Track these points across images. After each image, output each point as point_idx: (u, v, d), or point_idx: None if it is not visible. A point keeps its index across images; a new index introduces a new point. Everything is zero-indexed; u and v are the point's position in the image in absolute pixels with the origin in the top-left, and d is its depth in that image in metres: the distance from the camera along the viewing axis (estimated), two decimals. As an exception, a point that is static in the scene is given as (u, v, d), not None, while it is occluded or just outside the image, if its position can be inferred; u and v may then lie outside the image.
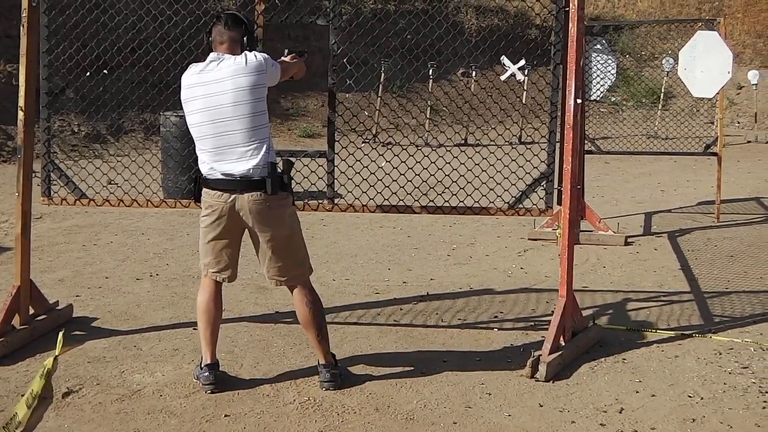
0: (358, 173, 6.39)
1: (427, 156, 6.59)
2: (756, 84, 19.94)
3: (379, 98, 17.24)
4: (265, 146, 4.95)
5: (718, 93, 10.40)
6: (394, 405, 5.01)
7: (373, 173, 6.34)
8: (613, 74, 11.20)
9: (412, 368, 5.55)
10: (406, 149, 6.73)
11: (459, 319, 6.58)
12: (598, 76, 10.74)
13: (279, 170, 5.01)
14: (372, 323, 6.46)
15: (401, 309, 6.81)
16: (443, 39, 7.10)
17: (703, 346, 6.05)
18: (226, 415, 4.86)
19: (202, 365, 5.25)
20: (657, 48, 22.70)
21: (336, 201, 6.33)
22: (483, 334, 6.21)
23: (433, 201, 6.82)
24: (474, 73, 18.32)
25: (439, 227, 9.75)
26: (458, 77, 19.86)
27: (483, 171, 6.28)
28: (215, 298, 5.30)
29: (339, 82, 6.32)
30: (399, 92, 18.78)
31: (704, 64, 9.92)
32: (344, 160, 6.39)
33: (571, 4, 5.68)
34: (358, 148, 6.67)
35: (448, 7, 21.42)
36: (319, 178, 6.44)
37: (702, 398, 5.16)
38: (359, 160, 6.40)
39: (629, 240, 9.25)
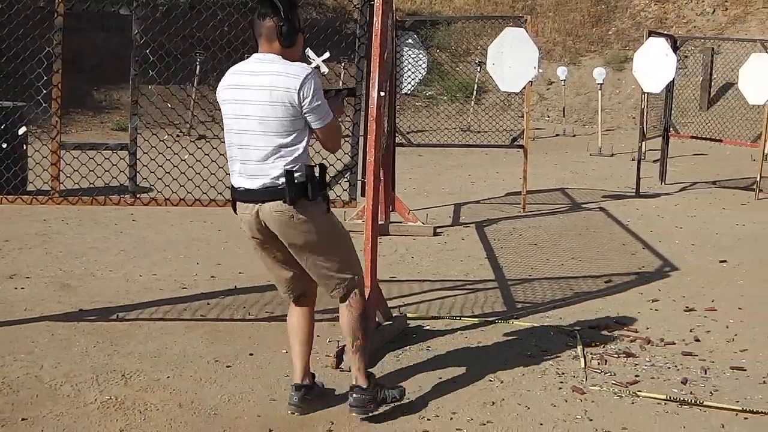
0: (176, 167, 6.30)
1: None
2: (564, 80, 20.64)
3: (195, 91, 16.99)
4: (287, 158, 4.48)
5: (524, 87, 10.73)
6: (198, 400, 4.95)
7: (191, 166, 6.28)
8: (424, 68, 11.38)
9: (217, 362, 5.51)
10: (215, 146, 6.67)
11: (267, 312, 6.56)
12: (409, 70, 10.89)
13: (300, 178, 4.52)
14: (178, 318, 6.37)
15: (208, 303, 6.74)
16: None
17: (505, 331, 6.24)
18: (23, 419, 4.67)
19: (293, 384, 4.91)
20: (472, 44, 23.23)
21: (138, 195, 6.20)
22: (291, 327, 6.21)
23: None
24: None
25: (251, 220, 9.67)
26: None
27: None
28: (300, 318, 4.96)
29: (156, 74, 6.18)
30: (214, 85, 18.53)
31: (512, 59, 10.21)
32: (162, 153, 6.30)
33: (375, -1, 5.73)
34: (175, 141, 6.60)
35: (265, -1, 21.26)
36: (120, 171, 6.31)
37: (502, 382, 5.31)
38: (177, 153, 6.32)
39: (438, 230, 9.46)
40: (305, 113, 4.49)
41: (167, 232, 9.19)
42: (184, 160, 6.29)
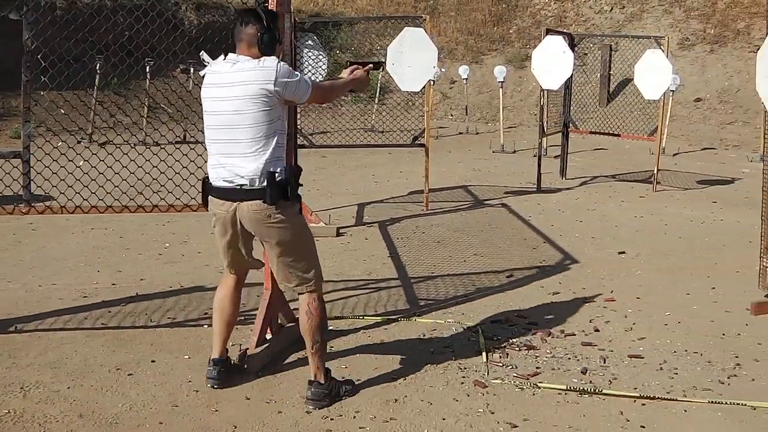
0: (71, 174, 6.20)
1: (141, 154, 6.52)
2: (467, 79, 20.84)
3: (94, 96, 16.73)
4: (266, 156, 4.70)
5: (425, 87, 10.80)
6: (99, 410, 4.87)
7: (86, 173, 6.18)
8: (324, 70, 11.37)
9: (118, 371, 5.43)
10: (119, 148, 6.61)
11: (168, 318, 6.49)
12: (309, 71, 10.86)
13: (281, 179, 4.71)
14: (79, 328, 6.24)
15: (110, 311, 6.63)
16: (160, 35, 6.98)
17: (408, 329, 6.29)
18: None
19: (210, 359, 5.21)
20: (375, 44, 23.30)
21: (33, 204, 6.09)
22: (192, 332, 6.15)
23: (148, 200, 6.70)
24: (193, 70, 18.13)
25: (153, 226, 9.59)
26: (178, 75, 19.61)
27: (199, 168, 6.22)
28: (232, 294, 5.27)
29: (50, 80, 6.07)
30: (116, 90, 18.32)
31: (411, 59, 10.25)
32: (56, 161, 6.18)
33: (270, 0, 5.70)
34: (70, 148, 6.49)
35: (168, 2, 21.08)
36: (13, 179, 6.19)
37: (405, 379, 5.35)
38: (71, 160, 6.22)
39: (341, 231, 9.47)
40: (286, 97, 4.76)
41: (67, 241, 9.03)
42: (79, 167, 6.19)
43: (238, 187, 4.76)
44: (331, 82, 5.31)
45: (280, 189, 4.71)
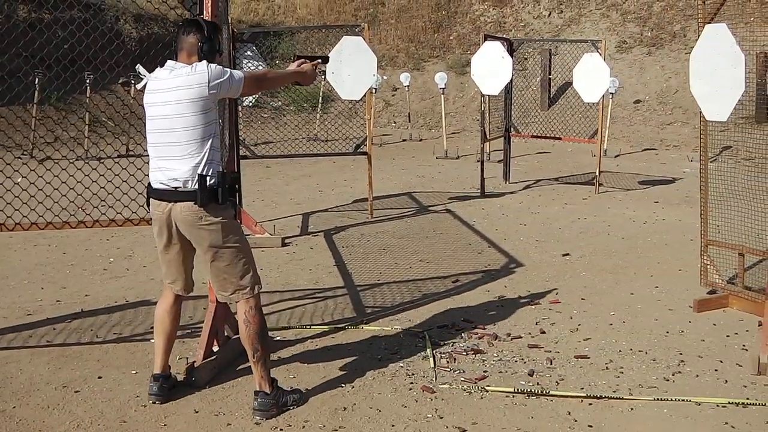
0: (9, 190, 6.16)
1: (80, 169, 6.46)
2: (408, 86, 20.90)
3: (33, 112, 16.51)
4: (199, 158, 4.77)
5: (365, 95, 10.81)
6: (46, 429, 4.81)
7: (25, 189, 6.12)
8: (265, 79, 11.32)
9: (65, 388, 5.36)
10: (58, 163, 6.54)
11: (114, 333, 6.42)
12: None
13: (213, 182, 4.79)
14: (23, 346, 6.15)
15: (54, 329, 6.54)
16: (101, 47, 6.95)
17: (355, 336, 6.28)
18: None
19: (152, 375, 5.20)
20: (317, 53, 23.29)
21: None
22: (139, 347, 6.09)
23: (89, 215, 6.63)
24: (134, 82, 17.98)
25: (96, 241, 9.48)
26: (118, 88, 19.42)
27: (138, 181, 6.19)
28: (171, 308, 5.26)
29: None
30: (57, 104, 18.09)
31: (351, 68, 10.26)
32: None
33: (205, 12, 5.69)
34: (7, 164, 6.42)
35: (107, 15, 20.89)
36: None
37: (353, 386, 5.35)
38: (9, 177, 6.16)
39: (286, 241, 9.44)
40: (220, 94, 4.85)
41: (9, 258, 8.89)
42: (17, 183, 6.12)
43: (173, 189, 4.83)
44: (268, 70, 5.32)
45: (211, 192, 4.79)
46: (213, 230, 4.85)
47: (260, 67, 11.02)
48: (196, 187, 4.76)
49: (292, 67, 5.30)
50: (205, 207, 4.79)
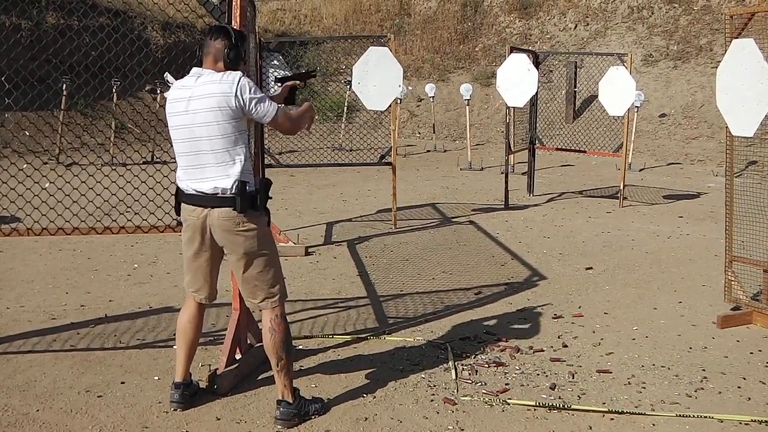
0: (37, 195, 6.20)
1: (107, 175, 6.51)
2: (433, 97, 20.91)
3: (60, 117, 16.64)
4: (237, 166, 4.78)
5: (390, 105, 10.84)
6: (68, 433, 4.85)
7: (52, 195, 6.18)
8: (291, 89, 11.37)
9: (88, 392, 5.40)
10: (85, 169, 6.59)
11: (138, 339, 6.46)
12: (275, 91, 10.86)
13: (252, 189, 4.82)
14: (47, 350, 6.20)
15: (78, 333, 6.59)
16: (128, 55, 7.00)
17: (377, 347, 6.29)
18: None
19: (173, 383, 5.23)
20: (342, 63, 23.37)
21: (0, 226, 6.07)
22: (162, 353, 6.12)
23: (115, 221, 6.68)
24: (160, 89, 18.10)
25: (121, 247, 9.55)
26: (144, 95, 19.56)
27: (165, 189, 6.23)
28: (193, 318, 5.27)
29: (13, 102, 6.07)
30: (83, 110, 18.22)
31: (377, 78, 10.30)
32: (21, 183, 6.16)
33: (233, 20, 5.73)
34: (36, 169, 6.47)
35: (134, 22, 21.03)
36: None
37: (375, 397, 5.35)
38: (37, 182, 6.20)
39: (310, 250, 9.47)
40: (250, 113, 4.81)
41: (35, 263, 8.97)
42: (45, 189, 6.17)
43: (211, 195, 4.83)
44: (297, 112, 5.27)
45: (250, 198, 4.81)
46: (249, 236, 4.87)
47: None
48: (235, 193, 4.78)
49: (285, 92, 5.49)
50: (244, 213, 4.81)
